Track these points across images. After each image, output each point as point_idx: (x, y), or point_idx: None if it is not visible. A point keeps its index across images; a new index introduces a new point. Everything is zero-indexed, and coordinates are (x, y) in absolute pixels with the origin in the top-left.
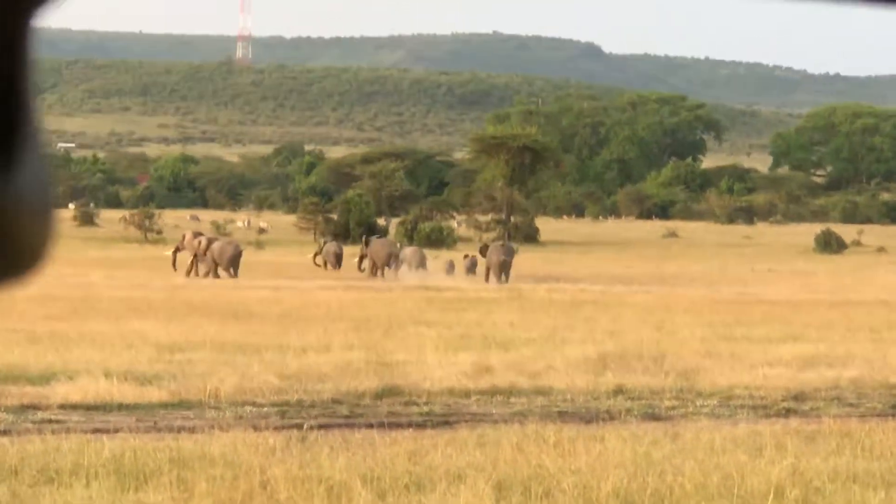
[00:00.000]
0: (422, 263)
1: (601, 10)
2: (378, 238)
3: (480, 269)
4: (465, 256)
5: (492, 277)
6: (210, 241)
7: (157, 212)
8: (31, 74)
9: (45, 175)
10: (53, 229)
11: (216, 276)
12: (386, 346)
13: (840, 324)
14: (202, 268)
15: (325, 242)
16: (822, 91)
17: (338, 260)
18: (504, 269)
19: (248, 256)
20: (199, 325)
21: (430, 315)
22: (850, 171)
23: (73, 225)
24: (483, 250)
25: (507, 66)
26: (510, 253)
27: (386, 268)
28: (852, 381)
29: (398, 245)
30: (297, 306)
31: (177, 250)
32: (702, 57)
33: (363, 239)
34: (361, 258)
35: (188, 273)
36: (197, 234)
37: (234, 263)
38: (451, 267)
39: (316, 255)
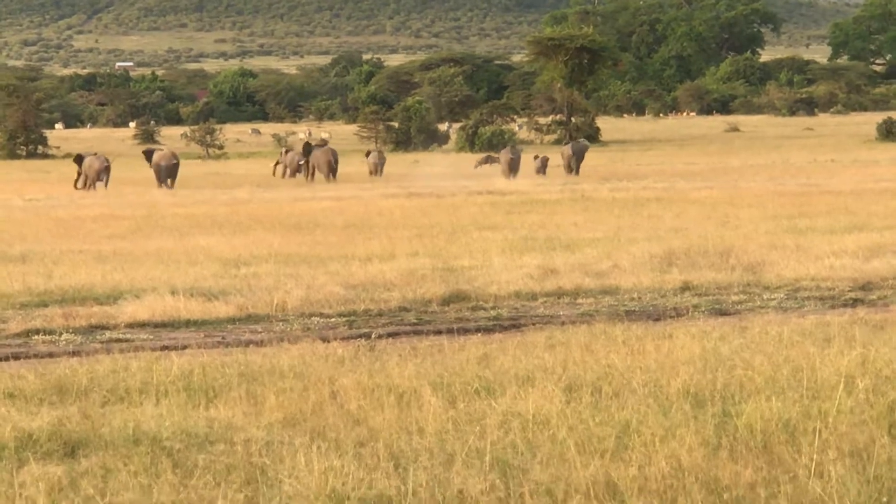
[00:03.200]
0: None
1: None
2: (319, 146)
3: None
4: (535, 157)
5: (508, 175)
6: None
7: (217, 127)
8: None
9: None
10: None
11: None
12: (451, 252)
13: None
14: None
15: (286, 152)
16: None
17: (298, 169)
18: (512, 167)
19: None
20: (264, 239)
21: (494, 219)
22: None
23: (134, 143)
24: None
25: None
26: (517, 152)
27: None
28: None
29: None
30: (360, 216)
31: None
32: None
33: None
34: (276, 164)
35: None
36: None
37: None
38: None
39: (276, 164)
